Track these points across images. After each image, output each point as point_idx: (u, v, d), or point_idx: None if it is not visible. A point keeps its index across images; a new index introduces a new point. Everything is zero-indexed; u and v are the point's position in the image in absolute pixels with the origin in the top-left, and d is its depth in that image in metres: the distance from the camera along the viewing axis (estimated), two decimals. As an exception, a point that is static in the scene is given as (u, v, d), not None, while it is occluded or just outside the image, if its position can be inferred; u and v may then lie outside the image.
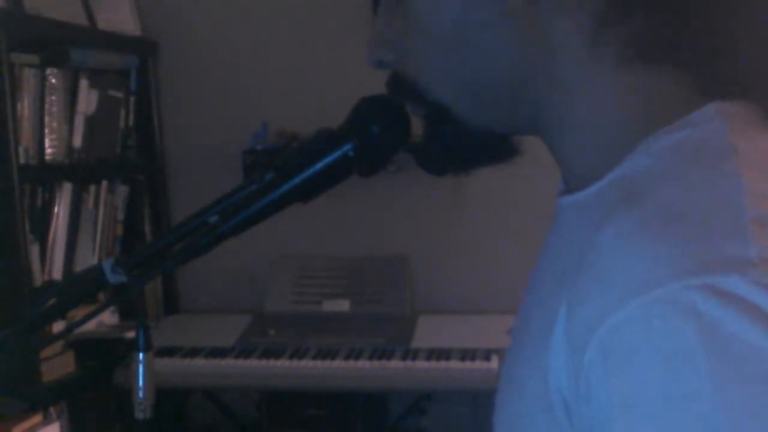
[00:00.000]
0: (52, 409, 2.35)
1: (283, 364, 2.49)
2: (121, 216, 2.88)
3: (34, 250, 2.44)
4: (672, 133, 0.56)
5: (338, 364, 2.48)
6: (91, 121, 2.69)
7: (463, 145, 0.65)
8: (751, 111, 0.57)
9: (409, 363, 2.46)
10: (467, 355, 2.47)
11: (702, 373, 0.44)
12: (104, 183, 2.76)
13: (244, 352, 2.57)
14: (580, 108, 0.60)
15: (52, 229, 2.52)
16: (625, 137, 0.57)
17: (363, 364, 2.47)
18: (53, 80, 2.51)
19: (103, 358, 2.57)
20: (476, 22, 0.59)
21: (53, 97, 2.51)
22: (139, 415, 0.75)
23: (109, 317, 2.75)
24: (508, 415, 0.61)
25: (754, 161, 0.52)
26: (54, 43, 2.52)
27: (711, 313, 0.45)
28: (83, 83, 2.65)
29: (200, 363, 2.53)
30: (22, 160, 2.35)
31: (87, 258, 2.65)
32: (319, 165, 0.69)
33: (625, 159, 0.57)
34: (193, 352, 2.58)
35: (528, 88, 0.61)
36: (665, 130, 0.56)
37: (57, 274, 2.51)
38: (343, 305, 2.83)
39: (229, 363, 2.52)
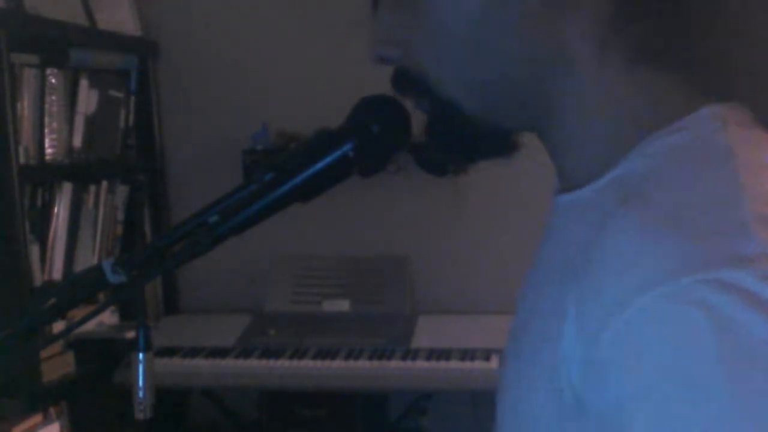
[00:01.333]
0: (52, 409, 2.35)
1: (283, 364, 2.50)
2: (121, 216, 2.88)
3: (34, 250, 2.44)
4: (670, 134, 0.57)
5: (338, 364, 2.48)
6: (91, 121, 2.69)
7: (467, 140, 0.66)
8: (743, 113, 0.59)
9: (409, 363, 2.46)
10: (467, 355, 2.47)
11: (714, 362, 0.46)
12: (104, 183, 2.76)
13: (244, 352, 2.57)
14: (584, 108, 0.62)
15: (52, 229, 2.52)
16: (625, 138, 0.59)
17: (363, 364, 2.47)
18: (53, 80, 2.51)
19: (103, 358, 2.57)
20: (495, 23, 0.60)
21: (53, 97, 2.51)
22: (139, 415, 0.75)
23: (109, 317, 2.75)
24: (516, 416, 0.62)
25: (749, 163, 0.54)
26: (54, 43, 2.52)
27: (721, 305, 0.47)
28: (83, 83, 2.65)
29: (200, 363, 2.54)
30: (22, 160, 2.35)
31: (87, 258, 2.65)
32: (319, 165, 0.69)
33: (623, 159, 0.58)
34: (193, 352, 2.58)
35: (537, 87, 0.62)
36: (662, 132, 0.58)
37: (57, 274, 2.51)
38: (343, 305, 2.83)
39: (229, 363, 2.53)
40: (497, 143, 0.66)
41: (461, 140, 0.66)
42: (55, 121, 2.52)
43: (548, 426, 0.56)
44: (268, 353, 2.55)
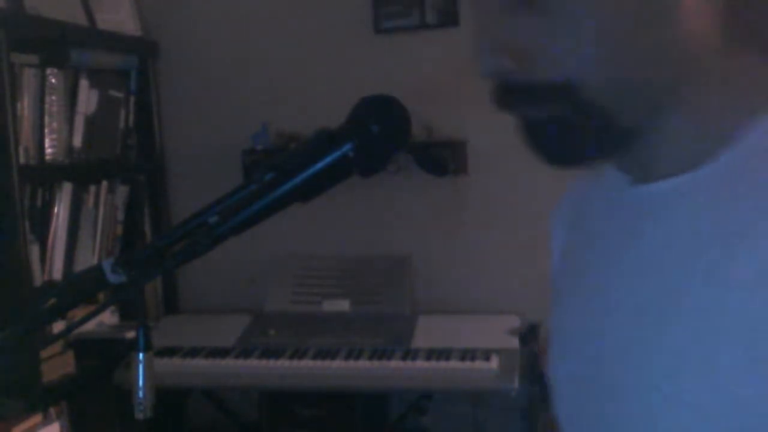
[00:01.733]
0: (52, 409, 2.35)
1: (283, 364, 2.49)
2: (121, 216, 2.88)
3: (34, 250, 2.44)
4: None
5: (338, 364, 2.48)
6: (91, 121, 2.69)
7: (584, 144, 0.66)
8: None
9: (409, 363, 2.46)
10: (467, 355, 2.47)
11: None
12: (104, 183, 2.76)
13: (244, 352, 2.57)
14: (706, 94, 0.64)
15: (52, 229, 2.52)
16: (735, 117, 0.62)
17: (363, 364, 2.47)
18: (53, 80, 2.51)
19: (103, 358, 2.58)
20: (653, 21, 0.61)
21: (53, 97, 2.51)
22: (139, 415, 0.75)
23: (109, 317, 2.75)
24: (696, 405, 0.60)
25: None
26: (54, 43, 2.52)
27: None
28: (83, 83, 2.65)
29: (200, 363, 2.54)
30: (22, 160, 2.35)
31: (87, 258, 2.65)
32: (319, 165, 0.69)
33: (738, 136, 0.61)
34: (193, 352, 2.58)
35: (667, 78, 0.63)
36: None
37: (57, 274, 2.52)
38: (343, 305, 2.83)
39: (229, 363, 2.53)
40: (616, 144, 0.66)
41: (573, 146, 0.65)
42: (55, 121, 2.52)
43: (757, 407, 0.55)
44: (268, 353, 2.55)
